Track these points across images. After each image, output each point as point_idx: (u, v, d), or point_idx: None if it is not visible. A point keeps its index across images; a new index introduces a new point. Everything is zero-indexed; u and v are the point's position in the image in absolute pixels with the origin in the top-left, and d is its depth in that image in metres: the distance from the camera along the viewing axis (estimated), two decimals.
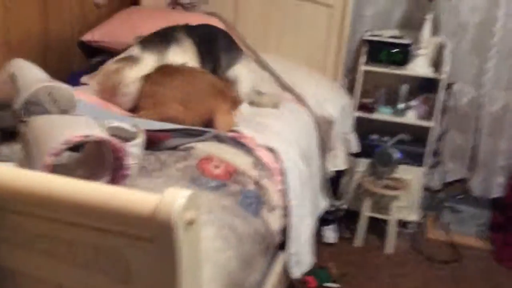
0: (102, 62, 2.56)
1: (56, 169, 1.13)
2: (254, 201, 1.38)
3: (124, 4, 2.93)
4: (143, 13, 2.71)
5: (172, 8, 2.85)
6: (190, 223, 0.72)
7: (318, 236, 2.67)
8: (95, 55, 2.67)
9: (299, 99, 2.32)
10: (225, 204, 1.27)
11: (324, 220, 2.68)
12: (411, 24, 2.86)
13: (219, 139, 1.57)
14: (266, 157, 1.67)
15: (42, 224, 0.77)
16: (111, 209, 0.70)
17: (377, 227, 2.84)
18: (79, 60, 2.65)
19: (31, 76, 1.39)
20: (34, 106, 1.37)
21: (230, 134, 1.66)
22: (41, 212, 0.76)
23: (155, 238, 0.74)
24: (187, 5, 2.82)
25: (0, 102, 1.49)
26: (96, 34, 2.58)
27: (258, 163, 1.54)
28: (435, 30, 2.78)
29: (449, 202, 2.88)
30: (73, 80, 2.18)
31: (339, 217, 2.91)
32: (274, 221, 1.47)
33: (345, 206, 2.89)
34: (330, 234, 2.69)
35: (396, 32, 2.80)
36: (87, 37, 2.59)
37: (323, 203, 2.36)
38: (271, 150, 1.73)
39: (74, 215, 0.73)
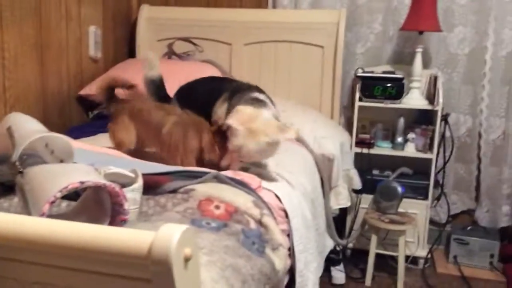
0: (100, 116, 2.59)
1: (55, 219, 1.12)
2: (257, 240, 1.36)
3: (120, 58, 3.01)
4: (139, 65, 2.76)
5: (167, 59, 2.91)
6: (188, 259, 0.70)
7: (326, 277, 2.61)
8: (94, 109, 2.71)
9: (297, 138, 2.32)
10: (227, 244, 1.24)
11: (331, 260, 2.63)
12: (402, 59, 2.92)
13: (219, 179, 1.56)
14: (268, 196, 1.66)
15: (36, 271, 0.75)
16: (104, 251, 0.68)
17: (386, 264, 2.78)
18: (77, 115, 2.69)
19: (27, 128, 1.40)
20: (31, 158, 1.37)
21: (231, 174, 1.65)
22: (33, 258, 0.74)
23: (153, 278, 0.72)
24: (183, 55, 2.88)
25: None
26: (94, 88, 2.62)
27: (259, 202, 1.52)
28: (427, 63, 2.84)
29: (457, 234, 2.83)
30: (73, 134, 2.20)
31: (346, 257, 2.86)
32: (279, 261, 1.44)
33: (351, 245, 2.84)
34: (338, 274, 2.63)
35: (388, 68, 2.85)
36: (86, 91, 2.64)
37: (330, 242, 2.32)
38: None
39: (66, 259, 0.71)
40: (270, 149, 1.73)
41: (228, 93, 1.95)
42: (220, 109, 1.94)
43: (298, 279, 1.65)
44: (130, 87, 1.87)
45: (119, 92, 1.92)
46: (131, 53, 3.12)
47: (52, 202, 1.06)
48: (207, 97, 1.99)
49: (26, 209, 1.15)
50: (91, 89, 2.63)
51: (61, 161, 1.42)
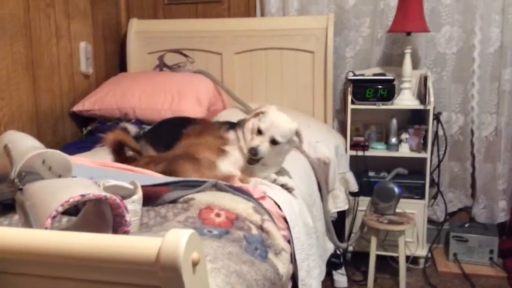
0: (94, 131, 2.59)
1: None
2: (259, 246, 1.36)
3: (112, 73, 3.01)
4: (131, 78, 2.77)
5: (159, 71, 2.92)
6: (196, 263, 0.70)
7: (329, 281, 2.61)
8: (88, 125, 2.71)
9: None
10: (231, 251, 1.24)
11: (332, 264, 2.63)
12: (391, 60, 2.95)
13: (218, 187, 1.57)
14: (268, 204, 1.66)
15: (45, 284, 0.74)
16: (112, 259, 0.68)
17: (387, 266, 2.79)
18: (71, 131, 2.68)
19: (24, 145, 1.39)
20: (30, 175, 1.37)
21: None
22: (41, 271, 0.73)
23: (162, 284, 0.71)
24: (174, 66, 2.89)
25: None
26: (87, 104, 2.63)
27: (260, 208, 1.53)
28: (416, 64, 2.87)
29: (455, 232, 2.84)
30: (68, 151, 2.19)
31: (347, 260, 2.86)
32: (282, 265, 1.44)
33: (351, 248, 2.84)
34: (340, 278, 2.63)
35: (378, 70, 2.88)
36: (78, 107, 2.64)
37: (330, 246, 2.32)
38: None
39: (74, 270, 0.71)
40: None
41: (227, 125, 2.03)
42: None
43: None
44: (137, 152, 1.87)
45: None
46: (123, 67, 3.13)
47: (54, 217, 1.05)
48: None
49: (27, 226, 1.14)
50: (84, 105, 2.63)
51: (60, 177, 1.41)
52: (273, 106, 1.92)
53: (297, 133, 1.89)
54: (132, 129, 2.36)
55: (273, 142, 1.81)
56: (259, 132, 1.81)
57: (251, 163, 1.82)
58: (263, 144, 1.79)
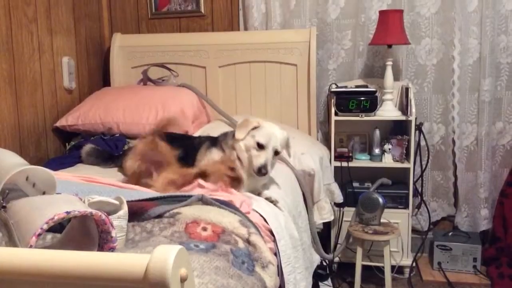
0: (78, 146, 2.57)
1: None
2: (246, 259, 1.36)
3: (95, 87, 3.00)
4: (115, 92, 2.76)
5: (143, 85, 2.92)
6: (184, 279, 0.70)
7: None
8: (71, 140, 2.69)
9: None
10: (218, 265, 1.24)
11: (319, 276, 2.64)
12: (373, 72, 2.99)
13: (204, 201, 1.57)
14: (254, 217, 1.67)
15: None
16: (99, 277, 0.68)
17: (372, 276, 2.80)
18: (54, 147, 2.66)
19: (7, 162, 1.38)
20: (14, 192, 1.35)
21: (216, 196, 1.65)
22: None
23: None
24: (158, 80, 2.89)
25: None
26: (70, 119, 2.61)
27: (246, 221, 1.53)
28: (397, 75, 2.91)
29: (439, 241, 2.88)
30: (51, 166, 2.17)
31: (333, 271, 2.86)
32: (269, 278, 1.44)
33: (337, 259, 2.85)
34: None
35: (360, 82, 2.92)
36: (62, 122, 2.62)
37: (316, 258, 2.33)
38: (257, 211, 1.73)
39: None
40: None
41: (208, 143, 2.03)
42: (207, 156, 1.99)
43: None
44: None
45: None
46: (106, 82, 3.12)
47: (39, 235, 1.05)
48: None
49: (11, 244, 1.13)
50: (67, 120, 2.61)
51: (44, 193, 1.40)
52: (258, 119, 1.92)
53: (288, 141, 1.90)
54: None
55: (276, 153, 1.83)
56: (260, 146, 1.81)
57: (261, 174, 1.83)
58: (269, 159, 1.80)
